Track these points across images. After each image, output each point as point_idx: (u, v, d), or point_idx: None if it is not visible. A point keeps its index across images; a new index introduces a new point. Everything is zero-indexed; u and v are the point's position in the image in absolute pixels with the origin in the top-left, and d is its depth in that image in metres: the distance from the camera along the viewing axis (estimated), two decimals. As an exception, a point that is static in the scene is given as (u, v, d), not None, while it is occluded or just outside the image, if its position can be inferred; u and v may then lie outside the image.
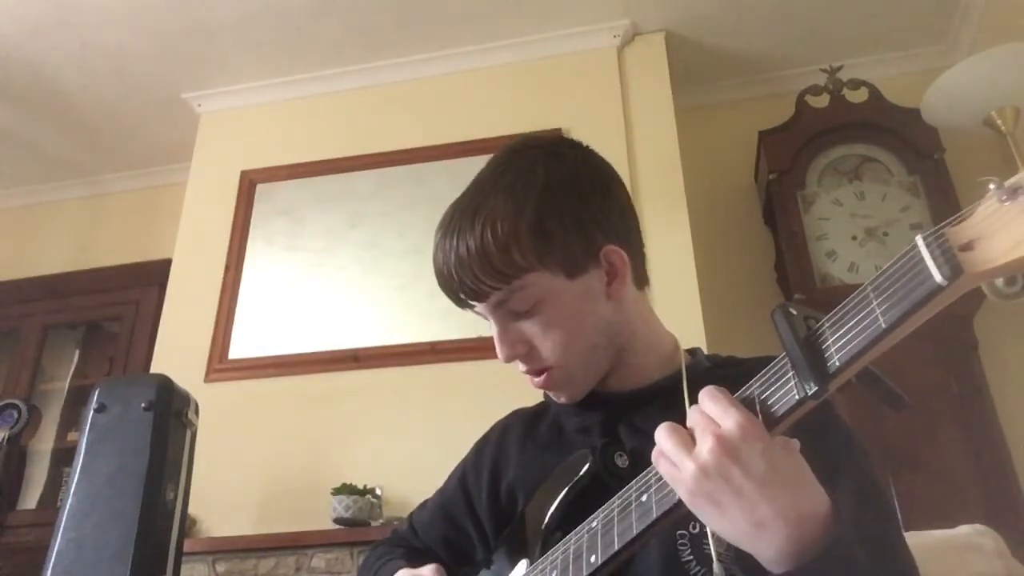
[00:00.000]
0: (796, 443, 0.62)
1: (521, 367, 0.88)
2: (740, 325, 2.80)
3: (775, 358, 0.69)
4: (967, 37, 3.06)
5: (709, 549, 0.73)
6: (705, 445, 0.59)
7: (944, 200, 2.69)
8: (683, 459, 0.60)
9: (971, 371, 2.49)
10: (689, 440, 0.61)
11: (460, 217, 0.85)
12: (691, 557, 0.76)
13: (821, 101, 2.97)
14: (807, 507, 0.59)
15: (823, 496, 0.61)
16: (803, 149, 2.90)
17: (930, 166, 2.77)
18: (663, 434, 0.63)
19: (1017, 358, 2.69)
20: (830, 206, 2.82)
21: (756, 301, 2.96)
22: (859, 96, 2.94)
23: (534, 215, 0.83)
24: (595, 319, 0.86)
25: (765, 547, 0.59)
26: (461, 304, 0.87)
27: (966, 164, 2.84)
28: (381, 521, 2.37)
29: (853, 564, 0.59)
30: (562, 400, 0.91)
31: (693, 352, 0.95)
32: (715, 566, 0.71)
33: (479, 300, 0.85)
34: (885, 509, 0.77)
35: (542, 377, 0.88)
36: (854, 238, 2.74)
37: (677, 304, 2.51)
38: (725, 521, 0.60)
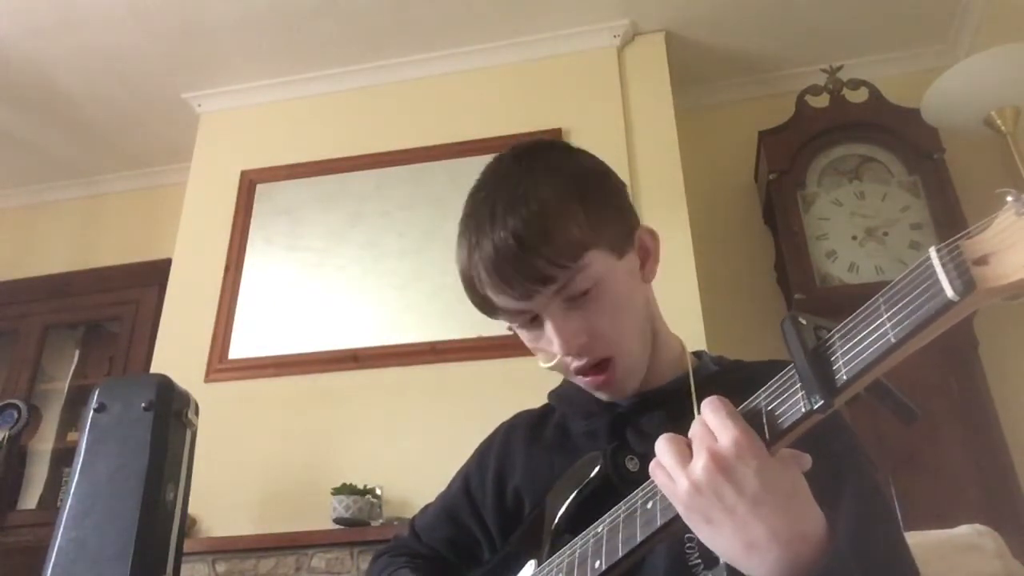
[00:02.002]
0: (807, 459, 0.61)
1: (576, 364, 0.83)
2: (740, 325, 2.81)
3: (781, 362, 0.68)
4: (967, 37, 3.06)
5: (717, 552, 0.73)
6: (699, 461, 0.58)
7: (944, 200, 2.69)
8: (678, 474, 0.60)
9: (971, 371, 2.49)
10: (687, 453, 0.60)
11: (505, 207, 0.79)
12: (699, 560, 0.76)
13: (821, 101, 2.97)
14: (800, 528, 0.58)
15: (819, 517, 0.60)
16: (803, 149, 2.90)
17: (930, 166, 2.77)
18: (662, 446, 0.62)
19: (1017, 358, 2.69)
20: (830, 206, 2.82)
21: (756, 301, 2.97)
22: (859, 96, 2.94)
23: (581, 194, 0.82)
24: (641, 301, 0.86)
25: (756, 567, 0.59)
26: (513, 299, 0.80)
27: (966, 164, 2.85)
28: (381, 521, 2.37)
29: None
30: (613, 397, 0.88)
31: (699, 355, 0.95)
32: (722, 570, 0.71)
33: (543, 286, 0.79)
34: (887, 517, 0.76)
35: (604, 374, 0.83)
36: (854, 238, 2.74)
37: (677, 304, 2.49)
38: (717, 538, 0.59)
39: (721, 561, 0.70)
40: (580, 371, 0.84)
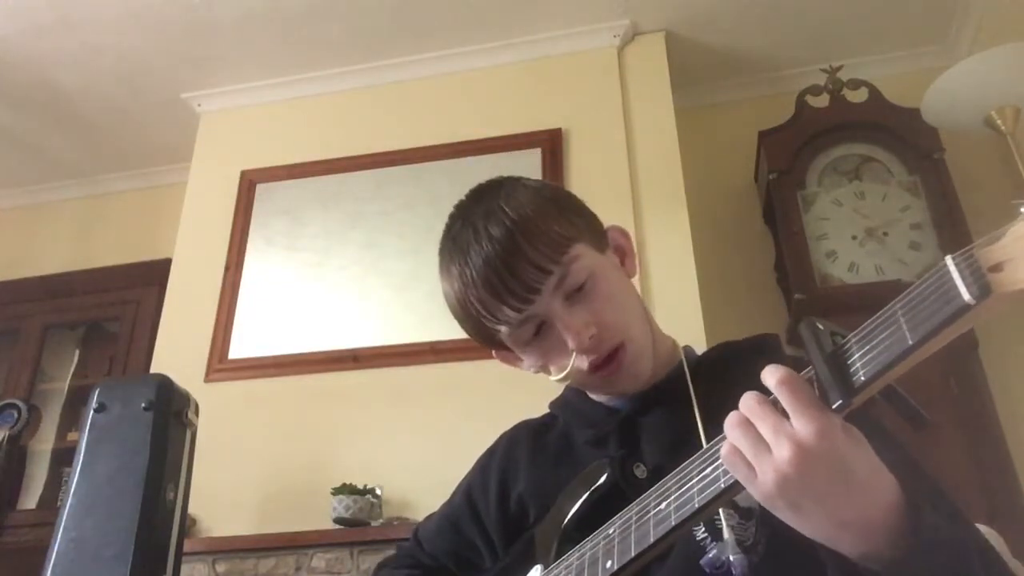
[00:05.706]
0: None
1: (591, 359, 0.83)
2: (740, 325, 2.80)
3: (763, 336, 0.73)
4: (967, 37, 3.05)
5: (721, 524, 0.74)
6: (784, 452, 0.56)
7: (944, 200, 2.69)
8: (762, 463, 0.57)
9: (971, 371, 2.49)
10: (761, 439, 0.58)
11: (486, 221, 0.83)
12: (706, 535, 0.77)
13: (821, 101, 2.97)
14: (887, 498, 0.58)
15: (893, 481, 0.60)
16: (803, 149, 2.90)
17: (930, 166, 2.77)
18: (735, 433, 0.59)
19: (1017, 358, 2.69)
20: (830, 206, 2.82)
21: (756, 301, 2.96)
22: (859, 96, 2.94)
23: (552, 199, 0.88)
24: (634, 292, 0.91)
25: (850, 543, 0.59)
26: (514, 308, 0.82)
27: (966, 164, 2.84)
28: (381, 521, 2.37)
29: (944, 543, 0.59)
30: (629, 389, 0.88)
31: (685, 349, 0.96)
32: (726, 532, 0.73)
33: (539, 283, 0.81)
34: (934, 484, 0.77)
35: (616, 362, 0.84)
36: (854, 238, 2.74)
37: (677, 304, 2.51)
38: (806, 523, 0.58)
39: (726, 536, 0.72)
40: (595, 365, 0.84)
